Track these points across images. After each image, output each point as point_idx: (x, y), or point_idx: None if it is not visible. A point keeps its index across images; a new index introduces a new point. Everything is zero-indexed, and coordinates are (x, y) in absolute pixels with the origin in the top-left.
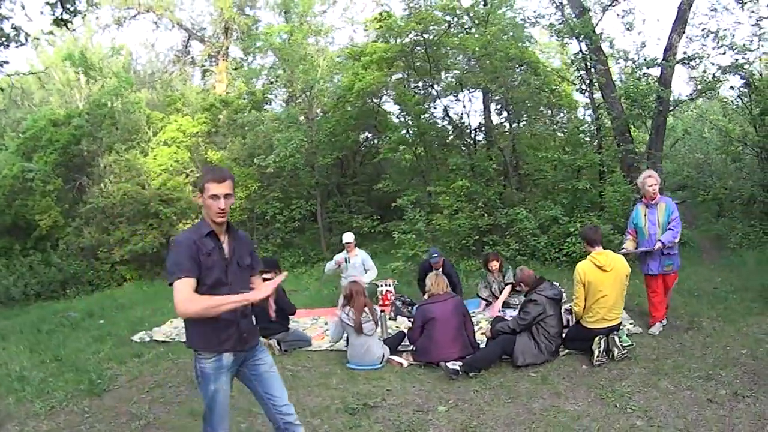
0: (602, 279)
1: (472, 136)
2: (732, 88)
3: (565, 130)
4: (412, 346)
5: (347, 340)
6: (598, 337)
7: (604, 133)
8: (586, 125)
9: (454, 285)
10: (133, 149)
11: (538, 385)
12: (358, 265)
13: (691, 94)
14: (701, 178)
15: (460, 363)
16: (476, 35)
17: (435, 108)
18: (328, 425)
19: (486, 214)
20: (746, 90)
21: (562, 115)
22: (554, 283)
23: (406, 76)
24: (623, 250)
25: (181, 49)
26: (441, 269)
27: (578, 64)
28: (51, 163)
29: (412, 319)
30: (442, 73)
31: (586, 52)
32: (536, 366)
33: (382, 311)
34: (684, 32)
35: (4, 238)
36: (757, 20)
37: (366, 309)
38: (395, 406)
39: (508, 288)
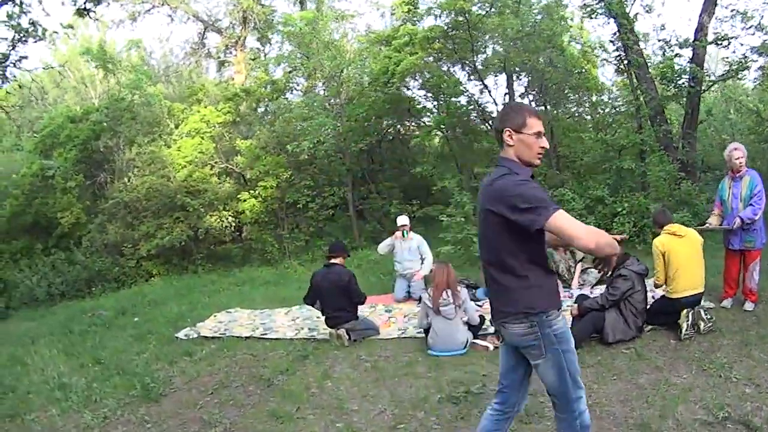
0: (679, 246)
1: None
2: (761, 68)
3: (601, 112)
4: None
5: (426, 329)
6: (685, 311)
7: (643, 114)
8: (625, 106)
9: None
10: (156, 142)
11: (635, 361)
12: (413, 249)
13: (723, 75)
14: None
15: None
16: (514, 16)
17: (468, 90)
18: (436, 417)
19: None
20: None
21: (586, 97)
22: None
23: (441, 58)
24: (707, 226)
25: (197, 42)
26: None
27: (617, 44)
28: (71, 159)
29: (480, 302)
30: (481, 55)
31: (623, 32)
32: (626, 342)
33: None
34: (714, 13)
35: (25, 238)
36: None
37: (448, 290)
38: (481, 393)
39: (579, 266)
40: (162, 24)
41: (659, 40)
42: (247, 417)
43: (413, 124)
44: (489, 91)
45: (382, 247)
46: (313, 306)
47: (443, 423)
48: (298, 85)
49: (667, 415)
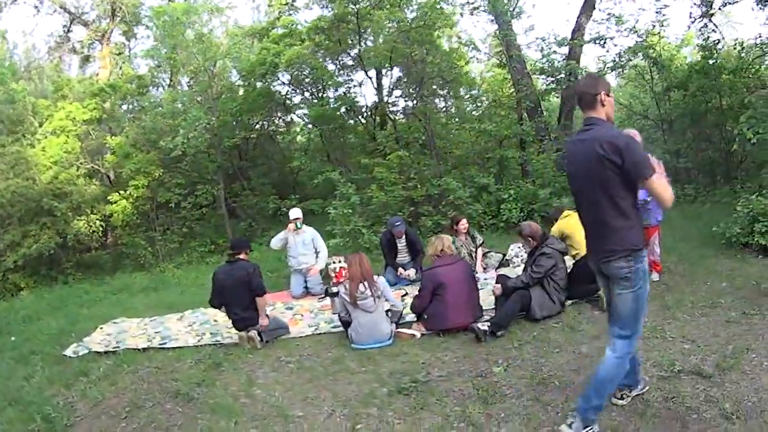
0: (567, 220)
1: (368, 114)
2: (635, 67)
3: (478, 105)
4: (417, 314)
5: (346, 322)
6: None
7: (524, 106)
8: (505, 99)
9: (417, 252)
10: (20, 141)
11: (570, 333)
12: (307, 242)
13: (599, 72)
14: None
15: (488, 324)
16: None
17: (349, 82)
18: (392, 411)
19: (419, 185)
20: (652, 68)
21: (463, 91)
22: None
23: (321, 50)
24: None
25: (62, 35)
26: (404, 237)
27: (499, 40)
28: None
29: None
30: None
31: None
32: (553, 317)
33: (335, 287)
34: (591, 15)
35: None
36: (659, 9)
37: (364, 282)
38: (448, 377)
39: (480, 251)
40: (27, 15)
41: (537, 38)
42: None
43: (282, 120)
44: (372, 81)
45: (275, 242)
46: (219, 309)
47: (403, 416)
48: (164, 81)
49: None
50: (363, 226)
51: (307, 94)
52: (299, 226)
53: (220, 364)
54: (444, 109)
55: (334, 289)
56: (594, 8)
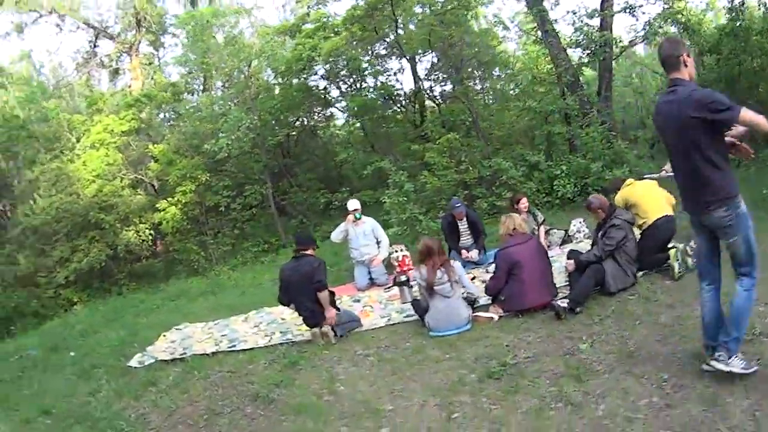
0: (632, 188)
1: (408, 102)
2: (665, 34)
3: (517, 84)
4: (493, 296)
5: (421, 311)
6: (673, 251)
7: (565, 81)
8: (544, 75)
9: (478, 233)
10: (59, 158)
11: (646, 304)
12: (368, 233)
13: (632, 41)
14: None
15: (567, 301)
16: None
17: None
18: (486, 397)
19: (470, 168)
20: (683, 34)
21: (498, 72)
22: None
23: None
24: (662, 172)
25: (89, 50)
26: (465, 218)
27: (533, 16)
28: None
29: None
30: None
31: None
32: (627, 290)
33: (403, 276)
34: None
35: None
36: None
37: (441, 268)
38: (536, 357)
39: (542, 229)
40: (50, 34)
41: (568, 11)
42: None
43: (322, 114)
44: (416, 66)
45: (336, 235)
46: (288, 306)
47: (498, 400)
48: (197, 86)
49: (688, 351)
50: (419, 213)
51: (343, 86)
52: (358, 216)
53: (296, 363)
54: (481, 90)
55: (403, 278)
56: None
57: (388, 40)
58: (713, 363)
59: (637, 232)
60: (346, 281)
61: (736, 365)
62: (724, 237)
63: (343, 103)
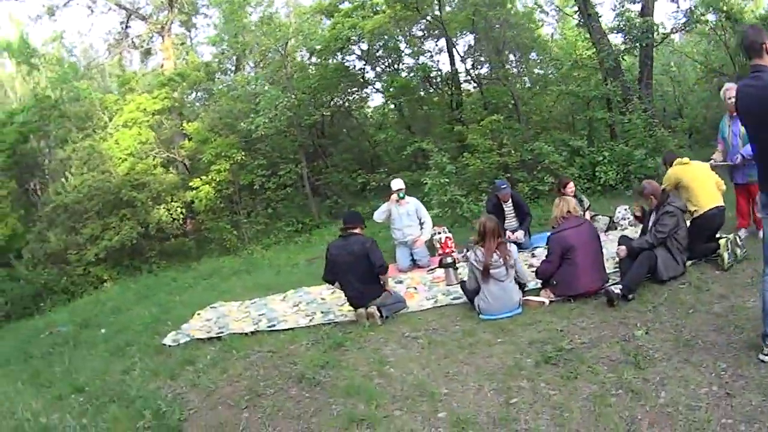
0: (687, 170)
1: (445, 83)
2: (706, 23)
3: (558, 68)
4: (544, 280)
5: (471, 294)
6: (724, 241)
7: (608, 65)
8: (586, 59)
9: (524, 215)
10: (91, 137)
11: (698, 293)
12: (411, 213)
13: (673, 28)
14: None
15: (620, 287)
16: None
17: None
18: (544, 382)
19: (513, 151)
20: (725, 23)
21: (534, 55)
22: None
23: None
24: (711, 162)
25: (121, 31)
26: (510, 200)
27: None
28: None
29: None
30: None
31: None
32: (677, 278)
33: (449, 258)
34: None
35: None
36: None
37: (497, 251)
38: (592, 343)
39: (588, 215)
40: (82, 16)
41: None
42: (318, 428)
43: (357, 95)
44: (455, 48)
45: (379, 215)
46: (333, 284)
47: (557, 386)
48: (230, 67)
49: (746, 342)
50: (460, 195)
51: (378, 69)
52: (402, 196)
53: (341, 344)
54: (519, 73)
55: (449, 260)
56: None
57: (429, 19)
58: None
59: (687, 219)
60: (388, 262)
61: None
62: None
63: (379, 84)
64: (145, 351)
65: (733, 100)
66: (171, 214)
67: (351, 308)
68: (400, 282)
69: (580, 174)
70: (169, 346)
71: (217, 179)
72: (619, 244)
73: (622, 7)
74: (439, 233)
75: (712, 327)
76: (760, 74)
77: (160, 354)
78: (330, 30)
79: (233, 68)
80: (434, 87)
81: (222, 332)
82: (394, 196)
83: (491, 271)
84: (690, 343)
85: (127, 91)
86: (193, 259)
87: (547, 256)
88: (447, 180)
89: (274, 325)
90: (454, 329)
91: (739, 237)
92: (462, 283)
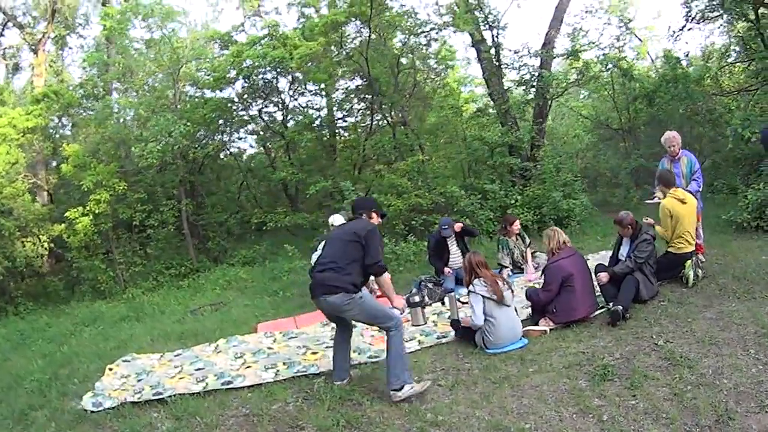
0: (683, 210)
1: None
2: (597, 79)
3: (461, 116)
4: (541, 309)
5: (463, 330)
6: (689, 262)
7: (514, 114)
8: (492, 108)
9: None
10: None
11: (683, 306)
12: None
13: (576, 81)
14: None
15: (620, 307)
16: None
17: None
18: (617, 396)
19: (427, 193)
20: (621, 79)
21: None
22: None
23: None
24: (655, 199)
25: None
26: (457, 234)
27: (484, 53)
28: None
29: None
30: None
31: (486, 42)
32: (655, 298)
33: (417, 296)
34: (560, 30)
35: None
36: (624, 23)
37: (496, 277)
38: (626, 357)
39: (530, 250)
40: None
41: (510, 50)
42: None
43: (243, 130)
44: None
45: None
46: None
47: (631, 395)
48: (113, 88)
49: (759, 336)
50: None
51: (270, 106)
52: None
53: (347, 398)
54: (426, 119)
55: (417, 298)
56: (562, 22)
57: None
58: None
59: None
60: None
61: None
62: None
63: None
64: (61, 419)
65: (675, 147)
66: (38, 249)
67: (318, 357)
68: (354, 327)
69: (492, 217)
70: (93, 412)
71: (96, 211)
72: (596, 272)
73: (521, 62)
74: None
75: (718, 327)
76: None
77: (82, 422)
78: (231, 57)
79: (113, 90)
80: (337, 130)
81: (161, 393)
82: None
83: (504, 293)
84: (712, 341)
85: None
86: (61, 302)
87: (544, 286)
88: None
89: (230, 382)
90: (467, 367)
91: (700, 259)
92: (455, 322)
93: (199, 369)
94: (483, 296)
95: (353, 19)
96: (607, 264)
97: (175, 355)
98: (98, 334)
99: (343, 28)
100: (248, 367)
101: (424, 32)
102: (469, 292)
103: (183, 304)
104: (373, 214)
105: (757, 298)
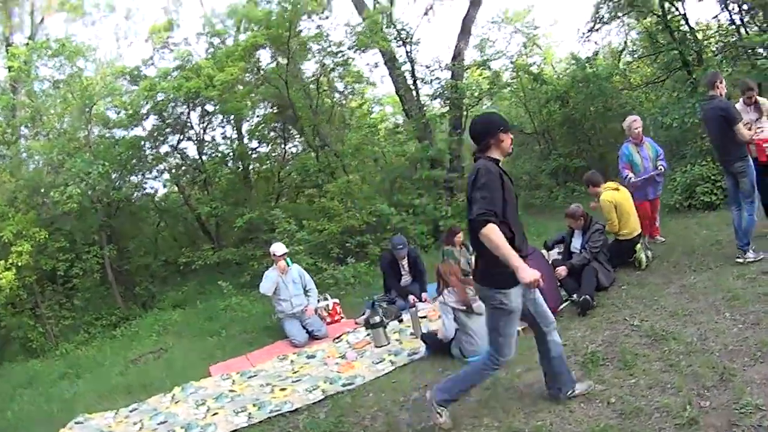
0: (621, 198)
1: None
2: (508, 85)
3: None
4: None
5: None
6: (639, 246)
7: (432, 129)
8: (414, 123)
9: (420, 272)
10: None
11: (645, 287)
12: (297, 280)
13: (489, 90)
14: None
15: (587, 296)
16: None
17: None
18: (615, 377)
19: (358, 214)
20: (533, 84)
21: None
22: None
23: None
24: (632, 180)
25: None
26: (406, 258)
27: (396, 69)
28: None
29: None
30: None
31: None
32: (613, 284)
33: (377, 316)
34: (468, 42)
35: None
36: (529, 32)
37: (466, 285)
38: (610, 342)
39: (473, 259)
40: None
41: (422, 65)
42: None
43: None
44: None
45: (269, 287)
46: None
47: (631, 374)
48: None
49: (728, 300)
50: (314, 262)
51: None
52: (290, 263)
53: (339, 428)
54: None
55: (377, 319)
56: (470, 34)
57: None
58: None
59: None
60: (277, 339)
61: (750, 257)
62: (738, 176)
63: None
64: None
65: (639, 130)
66: None
67: (288, 393)
68: (313, 357)
69: (424, 231)
70: None
71: (19, 263)
72: (555, 267)
73: (433, 76)
74: (327, 299)
75: (686, 299)
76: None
77: None
78: (145, 91)
79: (21, 136)
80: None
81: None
82: (282, 263)
83: (474, 306)
84: (685, 312)
85: None
86: None
87: None
88: (300, 248)
89: None
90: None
91: (646, 244)
92: (425, 335)
93: (161, 423)
94: (453, 307)
95: (268, 44)
96: (561, 258)
97: (131, 411)
98: (39, 395)
99: (258, 53)
100: (215, 414)
101: (341, 52)
102: (440, 303)
103: (121, 354)
104: (501, 136)
105: (713, 268)
